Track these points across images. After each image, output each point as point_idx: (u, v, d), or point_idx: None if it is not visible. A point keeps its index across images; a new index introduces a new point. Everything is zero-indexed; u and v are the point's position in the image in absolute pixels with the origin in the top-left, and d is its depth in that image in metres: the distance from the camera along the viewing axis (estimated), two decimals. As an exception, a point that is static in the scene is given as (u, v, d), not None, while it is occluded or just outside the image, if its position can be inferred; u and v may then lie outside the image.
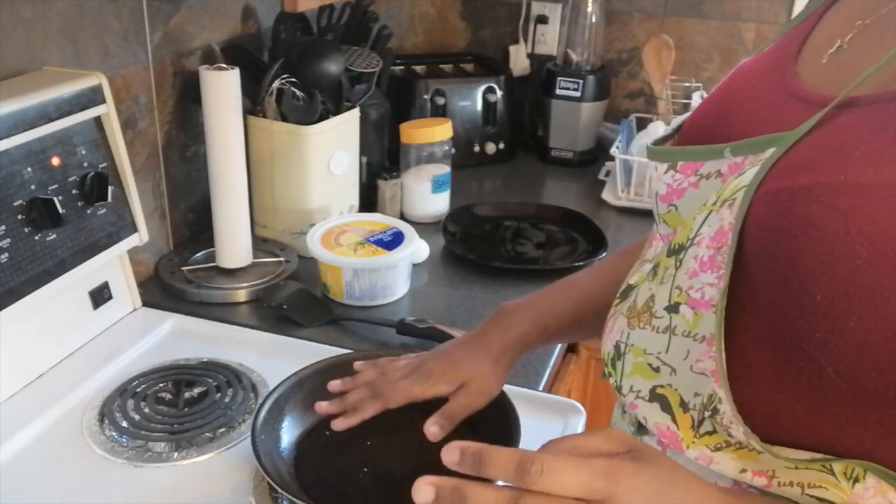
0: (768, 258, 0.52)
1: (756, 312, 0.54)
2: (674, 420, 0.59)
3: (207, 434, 0.89)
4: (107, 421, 0.90)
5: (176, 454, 0.86)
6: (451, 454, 0.49)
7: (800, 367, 0.52)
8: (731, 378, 0.55)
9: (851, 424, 0.52)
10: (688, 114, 0.69)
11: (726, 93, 0.66)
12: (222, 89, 1.12)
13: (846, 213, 0.48)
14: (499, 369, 0.83)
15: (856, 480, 0.52)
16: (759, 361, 0.54)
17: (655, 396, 0.60)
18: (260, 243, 1.29)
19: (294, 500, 0.73)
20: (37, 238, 0.91)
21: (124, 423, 0.90)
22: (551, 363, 1.06)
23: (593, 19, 1.75)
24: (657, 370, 0.61)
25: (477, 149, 1.77)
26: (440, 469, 0.49)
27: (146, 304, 1.13)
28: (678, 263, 0.59)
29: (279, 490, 0.74)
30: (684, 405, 0.58)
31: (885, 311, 0.47)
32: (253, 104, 1.27)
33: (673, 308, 0.59)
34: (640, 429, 0.66)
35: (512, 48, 1.90)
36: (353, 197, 1.39)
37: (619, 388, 0.64)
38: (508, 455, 0.47)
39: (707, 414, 0.57)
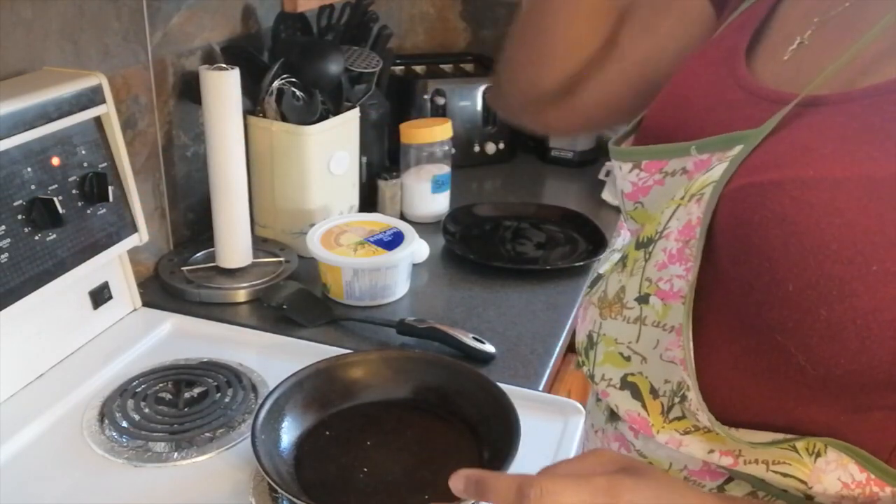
0: (740, 252, 0.54)
1: (726, 304, 0.56)
2: (644, 407, 0.61)
3: (207, 434, 0.89)
4: (107, 421, 0.90)
5: (176, 454, 0.86)
6: (456, 482, 0.52)
7: (770, 355, 0.54)
8: (699, 366, 0.56)
9: (817, 405, 0.54)
10: (645, 111, 0.70)
11: (678, 89, 0.67)
12: (222, 89, 1.12)
13: (816, 207, 0.50)
14: None
15: (818, 455, 0.54)
16: (728, 350, 0.56)
17: (626, 384, 0.62)
18: (260, 243, 1.29)
19: (294, 500, 0.73)
20: (37, 238, 0.91)
21: (124, 423, 0.90)
22: (551, 363, 1.06)
23: (593, 19, 1.75)
24: (628, 359, 0.62)
25: (477, 149, 1.77)
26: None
27: (146, 304, 1.13)
28: (647, 256, 0.60)
29: (279, 490, 0.75)
30: (654, 392, 0.60)
31: (854, 300, 0.48)
32: (253, 104, 1.27)
33: (643, 299, 0.60)
34: (612, 416, 0.68)
35: (512, 48, 1.90)
36: (353, 197, 1.39)
37: (591, 377, 0.66)
38: (507, 481, 0.48)
39: (676, 400, 0.58)
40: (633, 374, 0.62)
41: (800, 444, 0.55)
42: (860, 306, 0.48)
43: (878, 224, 0.48)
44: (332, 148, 1.29)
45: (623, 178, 0.66)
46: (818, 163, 0.51)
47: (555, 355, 1.07)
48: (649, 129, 0.67)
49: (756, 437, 0.56)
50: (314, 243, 1.18)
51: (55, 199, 0.91)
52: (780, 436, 0.55)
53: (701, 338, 0.57)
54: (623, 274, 0.63)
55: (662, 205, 0.61)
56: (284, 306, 1.12)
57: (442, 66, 1.87)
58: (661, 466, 0.63)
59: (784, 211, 0.51)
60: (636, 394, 0.61)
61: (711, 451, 0.58)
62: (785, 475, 0.55)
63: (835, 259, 0.49)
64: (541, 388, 1.00)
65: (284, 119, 1.25)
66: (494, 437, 0.82)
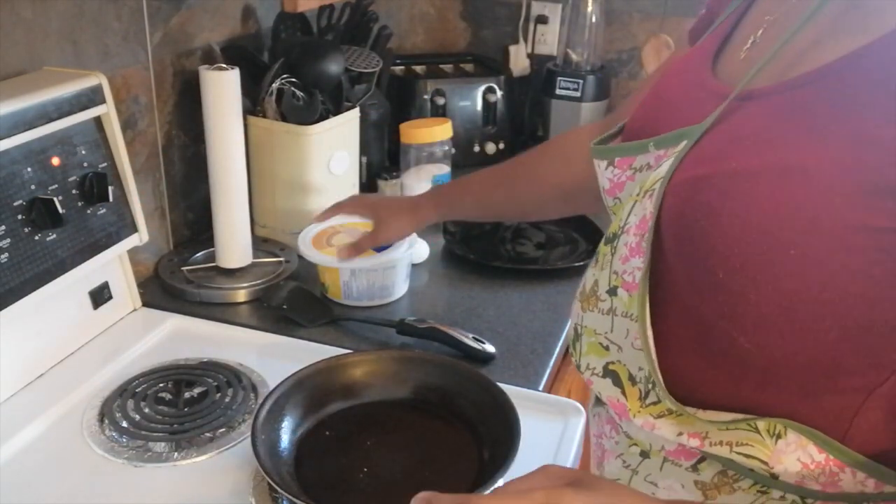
0: (678, 244, 0.58)
1: (676, 295, 0.60)
2: (623, 393, 0.64)
3: (207, 434, 0.89)
4: (107, 421, 0.90)
5: (176, 454, 0.86)
6: None
7: (719, 341, 0.58)
8: (663, 352, 0.60)
9: (771, 389, 0.58)
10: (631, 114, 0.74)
11: (658, 92, 0.71)
12: (222, 89, 1.12)
13: (736, 197, 0.54)
14: (407, 220, 1.12)
15: (778, 437, 0.57)
16: (684, 338, 0.60)
17: (608, 373, 0.66)
18: (260, 243, 1.29)
19: (294, 500, 0.73)
20: (37, 238, 0.91)
21: (124, 423, 0.90)
22: (551, 363, 1.06)
23: (593, 19, 1.75)
24: (607, 349, 0.66)
25: (477, 149, 1.77)
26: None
27: (146, 304, 1.13)
28: (613, 250, 0.65)
29: (279, 490, 0.74)
30: (632, 379, 0.64)
31: (777, 283, 0.52)
32: (253, 104, 1.27)
33: (612, 291, 0.64)
34: (598, 401, 0.72)
35: (512, 48, 1.90)
36: (353, 197, 1.39)
37: (578, 366, 0.70)
38: (450, 500, 0.49)
39: (650, 386, 0.62)
40: (613, 363, 0.65)
41: (761, 426, 0.57)
42: (784, 289, 0.52)
43: (794, 210, 0.51)
44: (332, 148, 1.29)
45: (602, 175, 0.70)
46: (741, 155, 0.55)
47: (555, 355, 1.07)
48: (630, 130, 0.71)
49: (718, 416, 0.59)
50: (305, 244, 1.17)
51: (55, 199, 0.91)
52: (741, 415, 0.58)
53: (661, 325, 0.60)
54: (596, 268, 0.67)
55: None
56: (284, 306, 1.12)
57: (442, 66, 1.87)
58: (643, 447, 0.66)
59: (711, 203, 0.55)
60: (616, 381, 0.65)
61: (681, 434, 0.61)
62: (748, 456, 0.58)
63: (755, 245, 0.52)
64: (541, 388, 1.00)
65: (284, 119, 1.25)
66: (494, 437, 0.82)
